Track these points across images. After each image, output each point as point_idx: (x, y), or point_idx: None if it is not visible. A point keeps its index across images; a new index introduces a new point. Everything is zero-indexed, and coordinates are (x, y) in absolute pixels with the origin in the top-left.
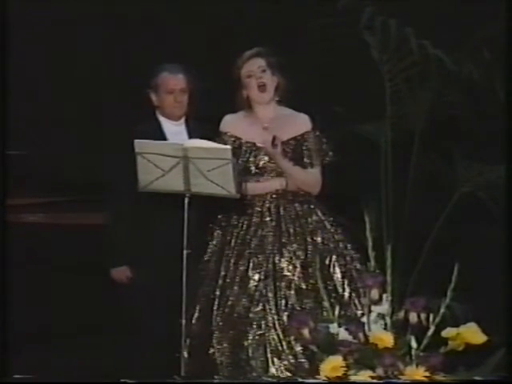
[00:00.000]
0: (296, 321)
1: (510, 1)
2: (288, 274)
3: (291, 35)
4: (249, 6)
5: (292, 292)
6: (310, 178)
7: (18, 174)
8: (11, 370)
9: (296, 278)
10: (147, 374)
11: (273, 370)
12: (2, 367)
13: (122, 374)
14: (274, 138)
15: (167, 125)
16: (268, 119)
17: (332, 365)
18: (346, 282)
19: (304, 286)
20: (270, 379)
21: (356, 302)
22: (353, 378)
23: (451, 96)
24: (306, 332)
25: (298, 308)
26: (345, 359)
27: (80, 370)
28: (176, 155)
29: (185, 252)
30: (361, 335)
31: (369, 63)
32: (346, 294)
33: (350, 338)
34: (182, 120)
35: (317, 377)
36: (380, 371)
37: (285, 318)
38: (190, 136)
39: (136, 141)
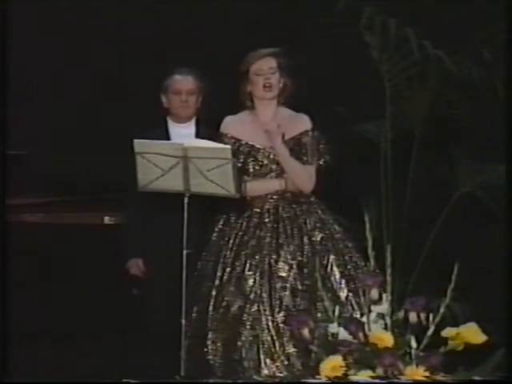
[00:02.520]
0: (296, 321)
1: (510, 1)
2: (284, 274)
3: (290, 35)
4: (248, 6)
5: (287, 293)
6: (304, 173)
7: (17, 173)
8: (11, 370)
9: (292, 279)
10: (149, 373)
11: (265, 372)
12: (2, 367)
13: (123, 374)
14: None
15: (174, 128)
16: (268, 120)
17: (332, 364)
18: (344, 282)
19: (300, 287)
20: (269, 379)
21: (354, 302)
22: (353, 378)
23: (451, 96)
24: (305, 332)
25: (293, 309)
26: (345, 359)
27: (80, 370)
28: (176, 155)
29: (184, 252)
30: (361, 335)
31: (369, 63)
32: (345, 294)
33: (349, 337)
34: (191, 123)
35: (317, 377)
36: (380, 371)
37: (279, 319)
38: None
39: (135, 140)
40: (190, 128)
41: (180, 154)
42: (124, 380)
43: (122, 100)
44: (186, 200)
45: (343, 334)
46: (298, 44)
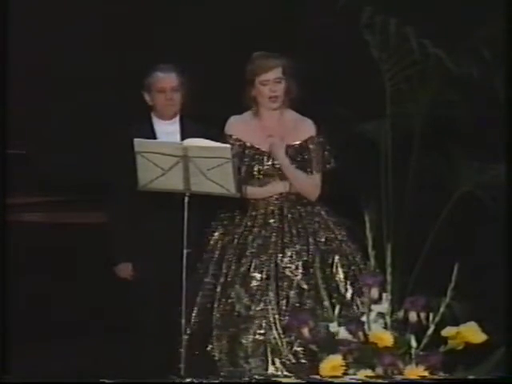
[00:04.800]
0: (296, 320)
1: (510, 1)
2: (290, 274)
3: (290, 35)
4: (249, 5)
5: (293, 292)
6: (310, 183)
7: (18, 173)
8: (11, 370)
9: (298, 278)
10: (148, 373)
11: (272, 370)
12: (2, 367)
13: (123, 374)
14: None
15: (160, 125)
16: (273, 124)
17: (332, 364)
18: (348, 282)
19: (306, 287)
20: (269, 379)
21: (358, 302)
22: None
23: (451, 96)
24: (305, 331)
25: (299, 308)
26: (344, 358)
27: (80, 370)
28: (176, 154)
29: (185, 251)
30: (360, 334)
31: (369, 62)
32: (349, 294)
33: (349, 337)
34: (176, 119)
35: (316, 376)
36: (380, 370)
37: (286, 317)
38: (183, 136)
39: (136, 140)
40: (175, 125)
41: (180, 154)
42: (101, 380)
43: (123, 100)
44: (186, 199)
45: (343, 333)
46: (297, 43)
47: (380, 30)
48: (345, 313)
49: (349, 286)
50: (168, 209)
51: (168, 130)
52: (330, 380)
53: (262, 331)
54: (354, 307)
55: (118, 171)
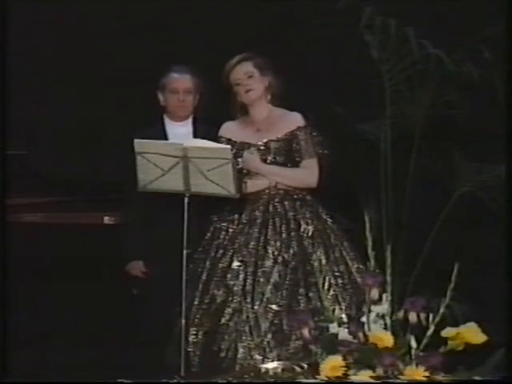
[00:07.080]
0: (296, 320)
1: (510, 1)
2: (273, 271)
3: (291, 35)
4: (248, 5)
5: (271, 287)
6: (299, 174)
7: (18, 173)
8: (11, 370)
9: (276, 274)
10: (148, 373)
11: (242, 362)
12: (2, 367)
13: (123, 374)
14: None
15: (171, 126)
16: (262, 119)
17: (332, 364)
18: (333, 278)
19: (287, 284)
20: (269, 379)
21: (341, 298)
22: (352, 378)
23: (451, 96)
24: (305, 332)
25: (275, 303)
26: (344, 359)
27: (80, 370)
28: (176, 155)
29: (185, 252)
30: (360, 335)
31: (368, 63)
32: (333, 290)
33: (349, 337)
34: (188, 121)
35: (316, 377)
36: (380, 371)
37: (259, 312)
38: (196, 138)
39: (136, 140)
40: (187, 126)
41: (180, 154)
42: (118, 380)
43: (122, 99)
44: (186, 200)
45: (343, 333)
46: (298, 43)
47: (380, 31)
48: (330, 309)
49: (334, 282)
50: (178, 208)
51: (179, 131)
52: (330, 381)
53: (237, 327)
54: (337, 303)
55: (128, 172)
